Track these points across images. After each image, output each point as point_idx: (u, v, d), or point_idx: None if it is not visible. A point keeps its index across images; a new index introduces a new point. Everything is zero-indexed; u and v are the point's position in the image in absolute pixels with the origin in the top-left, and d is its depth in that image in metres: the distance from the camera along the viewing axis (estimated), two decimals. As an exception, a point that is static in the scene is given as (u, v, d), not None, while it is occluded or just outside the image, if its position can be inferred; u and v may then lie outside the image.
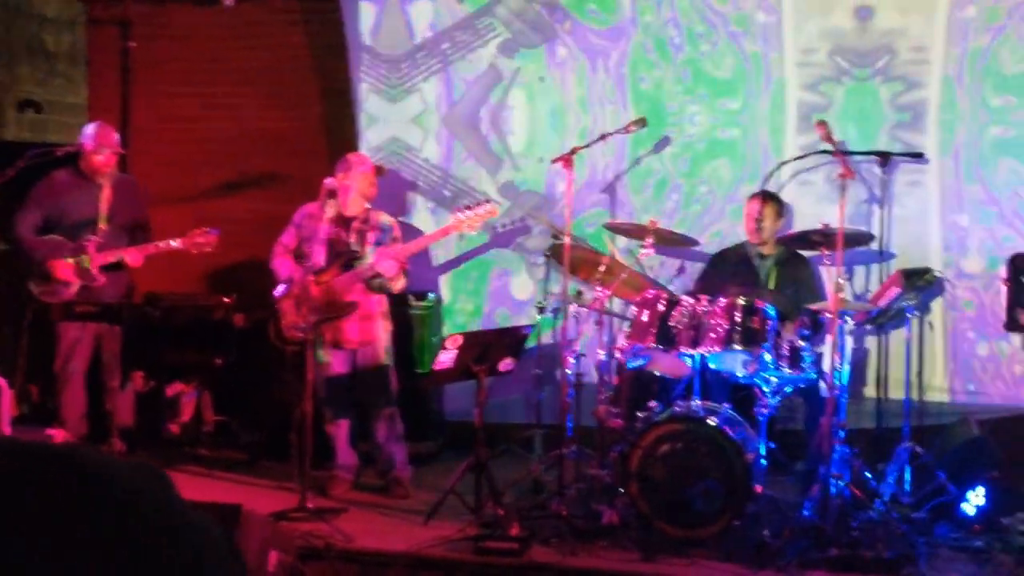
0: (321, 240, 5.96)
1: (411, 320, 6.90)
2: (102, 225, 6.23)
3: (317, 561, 4.88)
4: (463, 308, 7.35)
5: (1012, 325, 4.73)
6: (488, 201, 6.05)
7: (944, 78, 6.54)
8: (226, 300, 6.87)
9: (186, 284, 7.35)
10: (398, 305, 6.55)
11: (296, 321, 5.85)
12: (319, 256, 5.94)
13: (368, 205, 6.06)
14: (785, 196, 6.60)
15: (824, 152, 6.31)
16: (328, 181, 5.90)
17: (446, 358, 5.37)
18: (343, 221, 5.99)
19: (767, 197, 6.22)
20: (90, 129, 6.38)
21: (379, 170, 6.32)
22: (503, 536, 5.00)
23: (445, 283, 7.36)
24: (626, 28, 7.00)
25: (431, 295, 7.10)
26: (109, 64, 7.86)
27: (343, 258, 5.89)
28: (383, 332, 6.01)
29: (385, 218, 6.09)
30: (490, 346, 5.53)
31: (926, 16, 6.54)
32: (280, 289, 6.00)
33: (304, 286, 5.85)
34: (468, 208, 5.93)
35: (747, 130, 6.83)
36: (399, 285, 5.97)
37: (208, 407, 6.92)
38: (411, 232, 6.61)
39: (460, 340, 5.39)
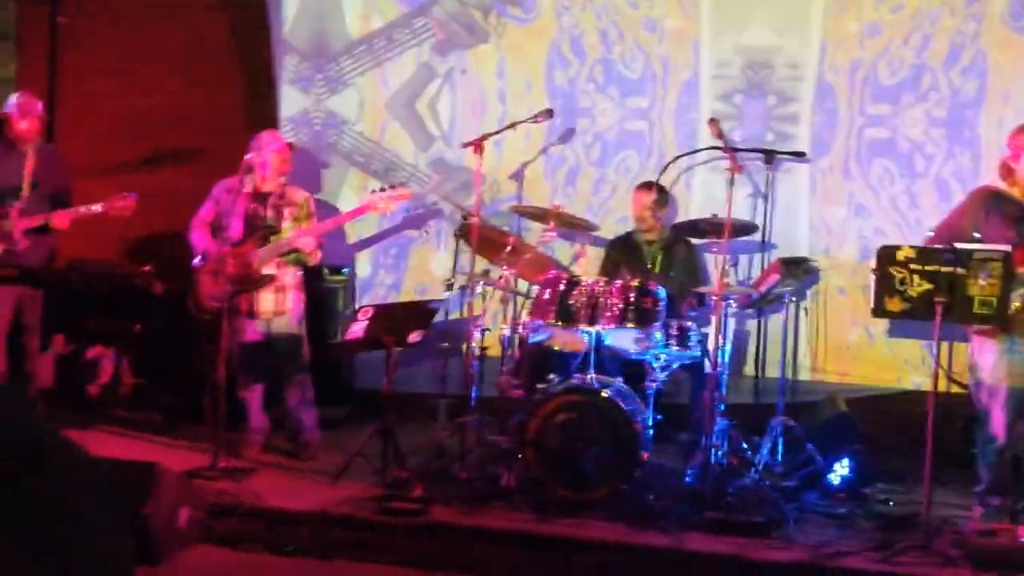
0: (238, 214, 5.92)
1: (325, 293, 6.87)
2: (25, 192, 6.06)
3: (227, 518, 4.87)
4: (383, 282, 7.36)
5: (879, 312, 4.86)
6: (403, 184, 6.05)
7: (820, 87, 6.70)
8: (146, 269, 6.81)
9: (108, 254, 7.25)
10: (314, 278, 6.53)
11: (213, 292, 5.83)
12: (236, 230, 5.90)
13: (284, 180, 6.00)
14: (678, 188, 6.73)
15: (715, 148, 6.42)
16: (247, 157, 5.83)
17: (357, 328, 5.37)
18: (260, 196, 5.95)
19: (652, 188, 6.33)
20: (14, 98, 6.22)
21: (291, 147, 6.26)
22: (406, 497, 5.05)
23: (366, 257, 7.36)
24: (544, 27, 7.06)
25: (345, 269, 7.11)
26: (38, 39, 7.63)
27: (260, 232, 5.85)
28: (297, 303, 6.00)
29: (301, 194, 6.06)
30: (400, 318, 5.56)
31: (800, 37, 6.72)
32: (198, 260, 5.94)
33: (221, 258, 5.80)
34: (383, 190, 5.94)
35: (654, 124, 6.94)
36: (314, 259, 5.95)
37: (127, 371, 6.83)
38: (326, 209, 6.57)
39: (371, 312, 5.41)
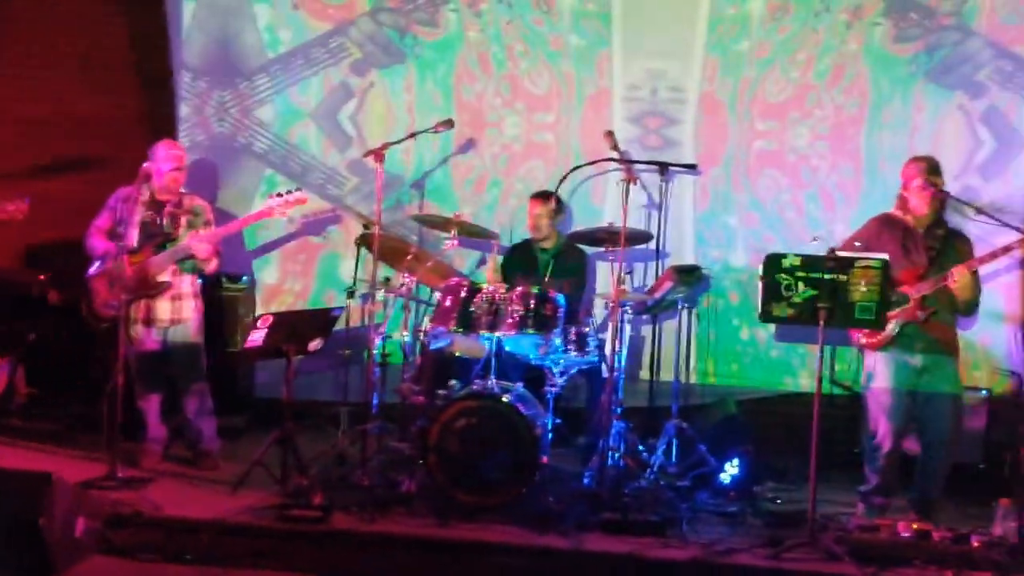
0: (135, 222, 5.82)
1: (224, 301, 6.78)
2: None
3: (124, 528, 4.76)
4: (291, 289, 7.29)
5: (766, 317, 5.00)
6: (299, 190, 6.01)
7: (711, 104, 6.90)
8: (41, 277, 6.65)
9: (3, 262, 7.06)
10: (212, 286, 6.44)
11: (108, 299, 5.72)
12: (132, 237, 5.78)
13: (182, 189, 5.91)
14: (576, 198, 6.82)
15: (610, 160, 6.53)
16: (144, 166, 5.73)
17: (257, 336, 5.31)
18: (156, 204, 5.85)
19: (545, 197, 6.42)
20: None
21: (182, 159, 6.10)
22: (307, 505, 5.01)
23: (273, 264, 7.29)
24: (452, 42, 7.11)
25: (244, 277, 7.02)
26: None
27: (156, 240, 5.76)
28: (194, 311, 5.92)
29: (198, 202, 5.99)
30: (299, 326, 5.51)
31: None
32: (93, 268, 5.81)
33: (117, 266, 5.67)
34: (279, 195, 5.90)
35: (561, 137, 7.04)
36: (212, 266, 5.87)
37: (22, 380, 6.64)
38: (223, 217, 6.48)
39: (271, 320, 5.35)
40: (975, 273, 5.24)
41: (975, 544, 4.72)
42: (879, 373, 5.36)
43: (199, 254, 5.74)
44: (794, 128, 6.87)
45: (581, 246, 6.41)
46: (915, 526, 4.82)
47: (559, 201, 6.47)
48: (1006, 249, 5.23)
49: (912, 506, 5.39)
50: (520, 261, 6.48)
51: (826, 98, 6.84)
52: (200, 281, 6.00)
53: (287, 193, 5.93)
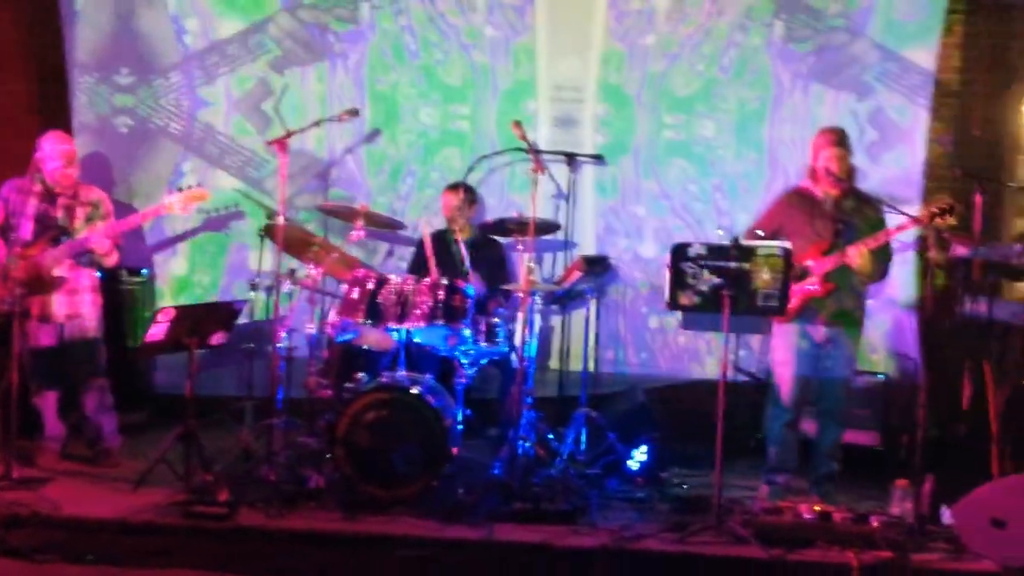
0: (29, 215, 5.67)
1: (123, 295, 6.65)
2: None
3: (22, 529, 4.66)
4: (200, 281, 7.18)
5: (673, 305, 5.11)
6: (199, 185, 5.93)
7: (619, 98, 6.99)
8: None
9: None
10: (111, 280, 6.30)
11: (1, 295, 5.53)
12: (26, 231, 5.64)
13: (77, 179, 5.79)
14: (486, 189, 6.86)
15: (518, 150, 6.59)
16: (36, 156, 5.59)
17: (157, 330, 5.23)
18: (50, 196, 5.71)
19: (460, 188, 6.46)
20: None
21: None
22: (211, 501, 4.96)
23: (181, 256, 7.18)
24: (364, 33, 7.07)
25: (144, 271, 6.89)
26: None
27: (51, 233, 5.61)
28: (91, 306, 5.79)
29: (96, 194, 5.86)
30: (202, 319, 5.44)
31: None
32: (-15, 262, 5.64)
33: (10, 260, 5.52)
34: (179, 190, 5.81)
35: (476, 124, 7.07)
36: (111, 261, 5.75)
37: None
38: (123, 209, 6.35)
39: (172, 313, 5.27)
40: (883, 246, 5.43)
41: (874, 524, 4.89)
42: (783, 344, 5.56)
43: (97, 249, 5.63)
44: (700, 121, 7.00)
45: (494, 237, 6.46)
46: (817, 508, 4.98)
47: (472, 191, 6.51)
48: (899, 228, 5.43)
49: (813, 485, 5.58)
50: (438, 251, 6.49)
51: (730, 92, 6.99)
52: (99, 275, 5.88)
53: (187, 188, 5.85)
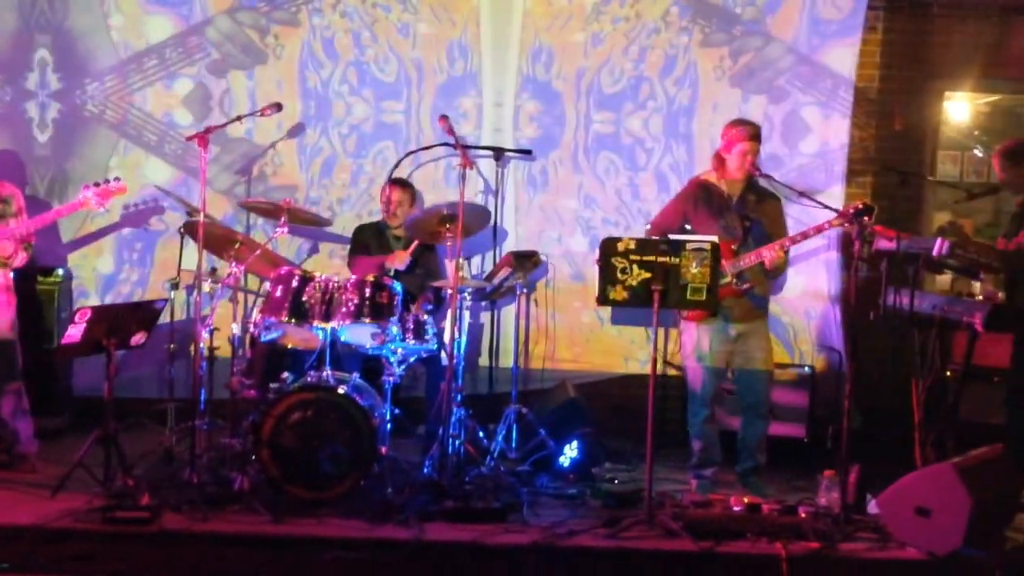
0: (-63, 213, 5.50)
1: (40, 295, 6.50)
2: None
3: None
4: (128, 279, 7.06)
5: (603, 300, 5.15)
6: (117, 179, 5.82)
7: (548, 94, 7.05)
8: None
9: None
10: (26, 280, 6.15)
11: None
12: (-67, 229, 5.47)
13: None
14: (413, 183, 6.84)
15: (446, 144, 6.58)
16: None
17: (75, 332, 5.12)
18: (-42, 194, 5.57)
19: (407, 186, 6.44)
20: None
21: None
22: (133, 506, 4.87)
23: (108, 253, 7.04)
24: (296, 30, 7.03)
25: (59, 270, 6.74)
26: None
27: (-43, 232, 5.47)
28: (5, 306, 5.66)
29: (8, 190, 5.74)
30: (121, 320, 5.35)
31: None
32: None
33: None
34: (96, 184, 5.70)
35: (410, 118, 7.05)
36: (19, 260, 5.63)
37: None
38: (37, 206, 6.22)
39: (89, 314, 5.16)
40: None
41: (802, 515, 5.00)
42: (697, 342, 5.66)
43: (2, 251, 5.51)
44: (628, 120, 7.06)
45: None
46: (746, 500, 5.07)
47: (414, 190, 6.51)
48: (818, 229, 5.57)
49: (740, 479, 5.68)
50: (375, 241, 6.48)
51: (659, 89, 7.06)
52: (11, 274, 5.73)
53: (105, 182, 5.74)
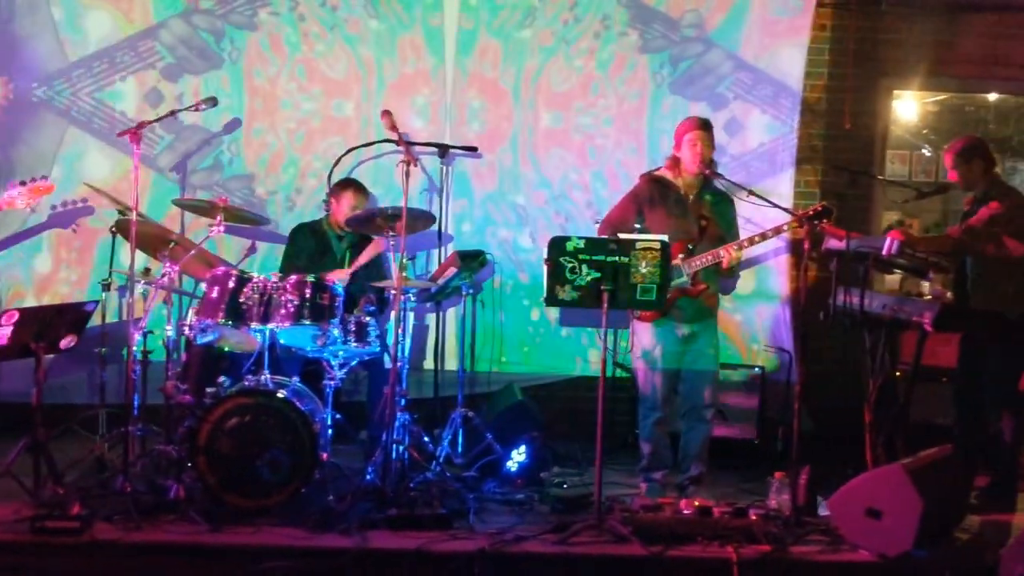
0: None
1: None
2: None
3: None
4: (66, 278, 6.96)
5: (552, 300, 5.17)
6: (44, 178, 5.74)
7: (496, 92, 7.05)
8: None
9: None
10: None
11: None
12: None
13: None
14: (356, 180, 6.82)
15: (388, 141, 6.56)
16: None
17: (0, 335, 5.01)
18: None
19: (360, 189, 6.44)
20: None
21: None
22: (63, 516, 4.80)
23: (45, 252, 6.95)
24: (245, 24, 7.00)
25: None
26: None
27: None
28: (-76, 310, 5.51)
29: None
30: (49, 322, 5.26)
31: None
32: None
33: None
34: (23, 183, 5.61)
35: (362, 112, 7.03)
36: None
37: None
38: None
39: (16, 316, 5.07)
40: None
41: (753, 518, 5.05)
42: (648, 342, 5.70)
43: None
44: (577, 118, 7.09)
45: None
46: (697, 503, 5.12)
47: (365, 189, 6.51)
48: (776, 230, 5.66)
49: (679, 489, 5.72)
50: (314, 246, 6.44)
51: (609, 88, 7.10)
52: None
53: (31, 181, 5.65)
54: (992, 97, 8.86)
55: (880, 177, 7.19)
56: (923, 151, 9.33)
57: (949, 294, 6.11)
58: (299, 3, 6.97)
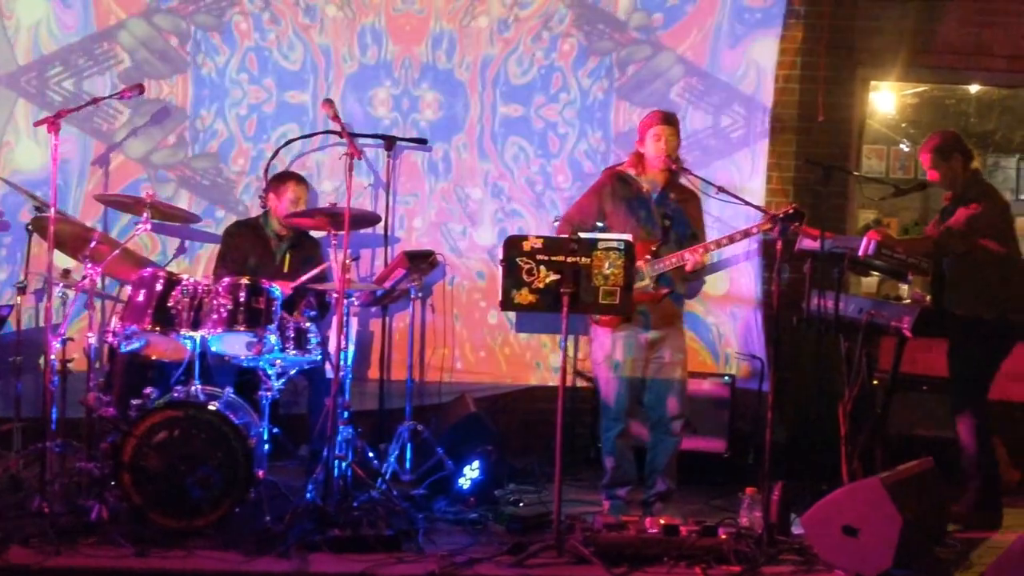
0: None
1: None
2: None
3: None
4: None
5: (508, 305, 5.13)
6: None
7: (450, 84, 7.07)
8: None
9: None
10: None
11: None
12: None
13: None
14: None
15: (331, 132, 6.51)
16: None
17: (-97, 342, 4.92)
18: None
19: (302, 180, 6.39)
20: None
21: None
22: (-27, 540, 4.69)
23: None
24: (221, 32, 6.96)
25: None
26: None
27: None
28: None
29: None
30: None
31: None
32: None
33: None
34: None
35: (316, 100, 6.97)
36: None
37: None
38: None
39: (-80, 322, 4.96)
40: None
41: (723, 537, 5.05)
42: (610, 350, 5.70)
43: None
44: (538, 112, 7.09)
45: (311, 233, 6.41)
46: (663, 521, 5.11)
47: (305, 183, 6.47)
48: (745, 233, 5.67)
49: (644, 507, 5.72)
50: (251, 246, 6.38)
51: (572, 81, 7.10)
52: None
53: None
54: (974, 89, 8.96)
55: (856, 173, 7.24)
56: (901, 146, 9.43)
57: (928, 297, 6.16)
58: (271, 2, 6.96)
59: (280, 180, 6.43)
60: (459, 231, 7.08)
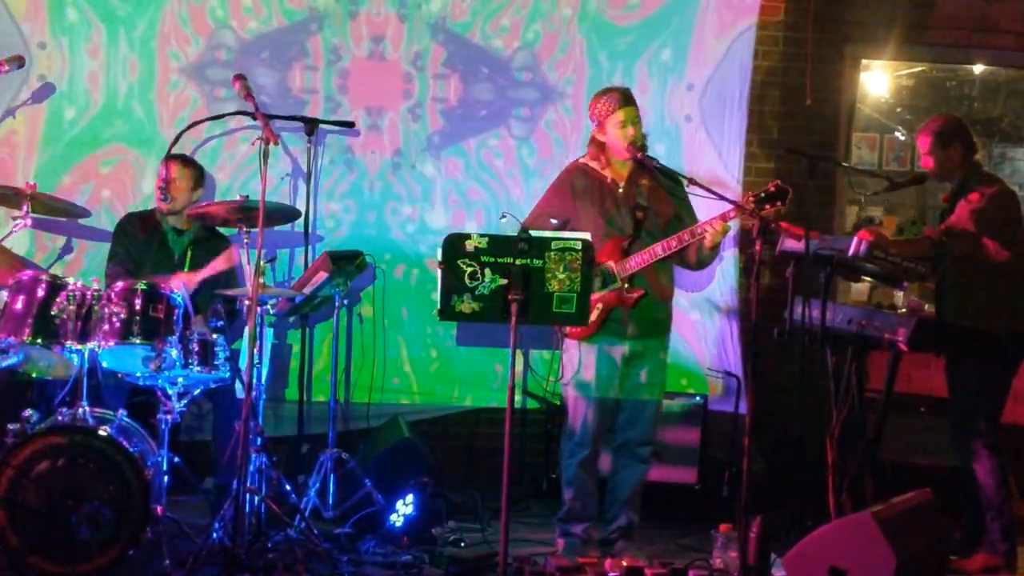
0: None
1: None
2: None
3: None
4: None
5: (447, 314, 5.12)
6: None
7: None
8: None
9: None
10: None
11: None
12: None
13: None
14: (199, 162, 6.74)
15: (243, 113, 6.48)
16: None
17: None
18: None
19: (184, 161, 6.34)
20: None
21: None
22: None
23: None
24: None
25: None
26: None
27: None
28: None
29: None
30: None
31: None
32: None
33: None
34: None
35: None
36: None
37: None
38: None
39: None
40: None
41: (693, 580, 5.10)
42: (580, 364, 5.70)
43: None
44: (505, 92, 7.16)
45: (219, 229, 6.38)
46: (625, 563, 5.14)
47: (200, 169, 6.44)
48: (723, 217, 5.62)
49: (601, 545, 5.73)
50: (144, 243, 6.36)
51: (537, 74, 7.16)
52: None
53: None
54: (978, 69, 9.09)
55: (845, 164, 7.32)
56: (896, 134, 9.54)
57: (928, 306, 6.23)
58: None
59: (162, 164, 6.39)
60: (406, 213, 7.13)
